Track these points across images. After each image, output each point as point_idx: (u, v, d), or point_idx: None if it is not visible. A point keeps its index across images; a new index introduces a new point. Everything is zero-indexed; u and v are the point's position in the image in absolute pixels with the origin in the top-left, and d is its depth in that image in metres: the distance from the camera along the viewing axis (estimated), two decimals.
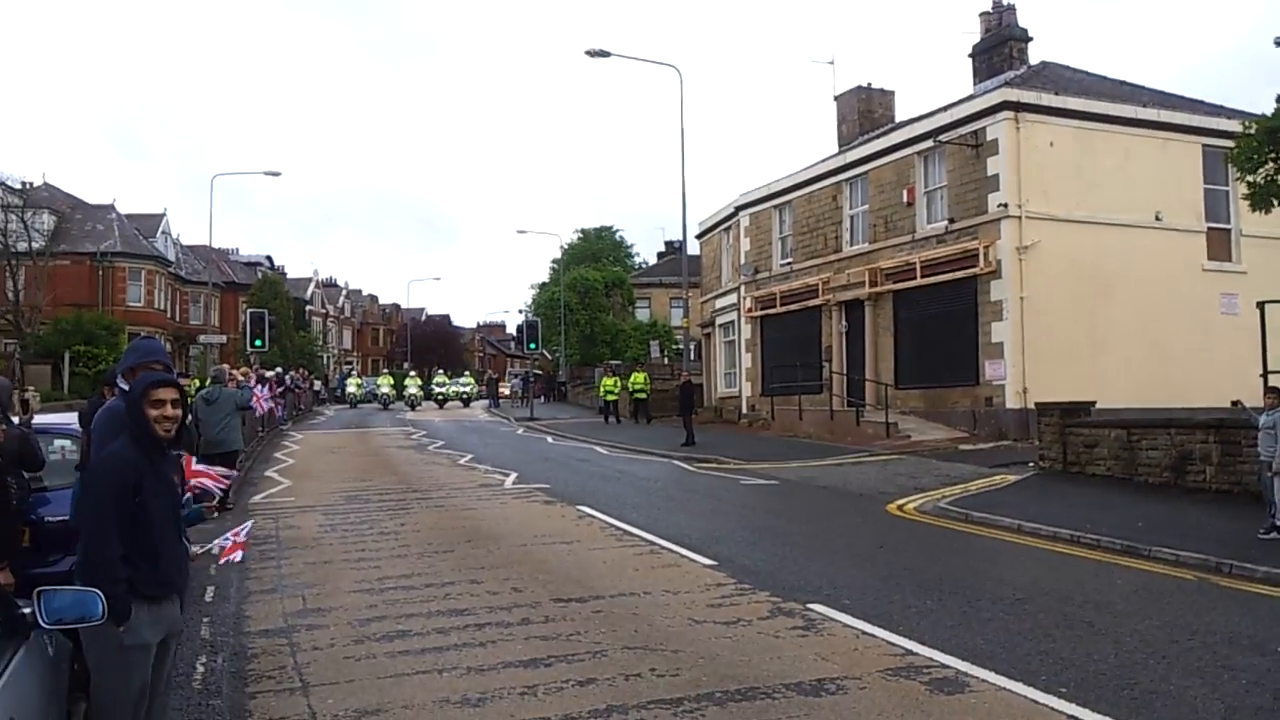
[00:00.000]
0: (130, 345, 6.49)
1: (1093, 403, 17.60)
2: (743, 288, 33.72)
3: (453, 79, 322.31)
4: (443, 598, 8.92)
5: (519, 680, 6.50)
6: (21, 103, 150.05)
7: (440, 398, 53.19)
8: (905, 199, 25.91)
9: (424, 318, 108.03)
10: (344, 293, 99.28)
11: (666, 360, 49.36)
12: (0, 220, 41.88)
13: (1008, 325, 22.61)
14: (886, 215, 26.68)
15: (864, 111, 34.16)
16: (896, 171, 26.40)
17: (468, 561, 10.63)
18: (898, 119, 33.13)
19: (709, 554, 10.75)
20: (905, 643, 7.27)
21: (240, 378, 19.49)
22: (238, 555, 5.90)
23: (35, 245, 44.07)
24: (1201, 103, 27.28)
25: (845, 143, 33.29)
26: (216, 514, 7.62)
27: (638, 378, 36.94)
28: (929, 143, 24.96)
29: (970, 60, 31.46)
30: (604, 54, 31.77)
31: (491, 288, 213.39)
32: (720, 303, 37.10)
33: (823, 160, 30.89)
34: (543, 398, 53.64)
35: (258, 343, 30.48)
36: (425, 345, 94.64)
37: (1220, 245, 24.87)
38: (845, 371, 28.07)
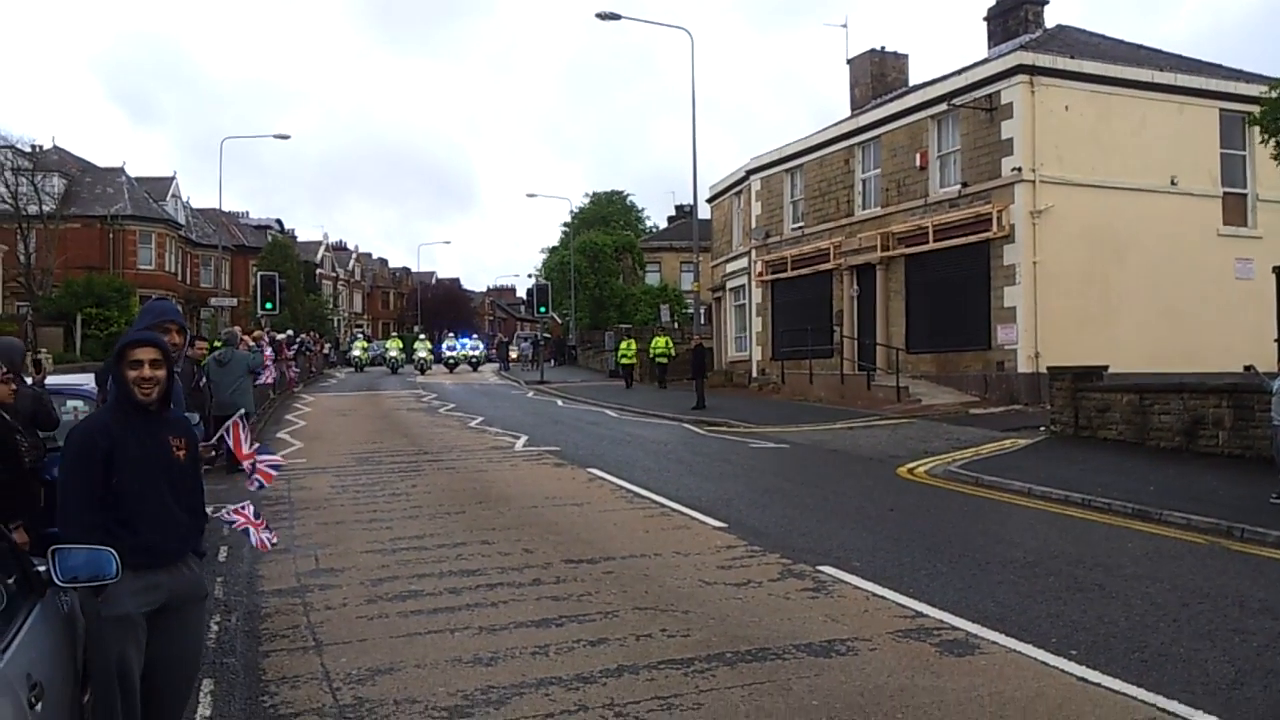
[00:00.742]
0: (144, 307, 6.35)
1: (1105, 367, 17.53)
2: (753, 252, 33.57)
3: (464, 44, 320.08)
4: (454, 558, 8.97)
5: (530, 640, 6.54)
6: (30, 66, 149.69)
7: (450, 361, 52.23)
8: (918, 163, 25.69)
9: (434, 281, 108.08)
10: (354, 256, 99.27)
11: (676, 324, 49.18)
12: (10, 183, 41.89)
13: (1020, 290, 22.47)
14: (899, 179, 26.48)
15: (877, 75, 33.77)
16: (909, 135, 26.16)
17: (479, 523, 10.68)
18: (911, 83, 32.76)
19: (719, 516, 10.78)
20: (915, 605, 7.29)
21: (251, 341, 19.55)
22: (266, 536, 5.97)
23: (46, 208, 44.08)
24: (1220, 66, 26.92)
25: (858, 106, 32.96)
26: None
27: (659, 341, 36.13)
28: (943, 106, 24.70)
29: (985, 23, 31.01)
30: (615, 17, 31.48)
31: (502, 251, 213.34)
32: (731, 267, 36.97)
33: (835, 124, 30.63)
34: (552, 361, 53.69)
35: (268, 306, 30.51)
36: (435, 309, 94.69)
37: (1236, 210, 24.64)
38: (856, 336, 27.98)
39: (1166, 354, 21.36)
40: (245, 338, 18.89)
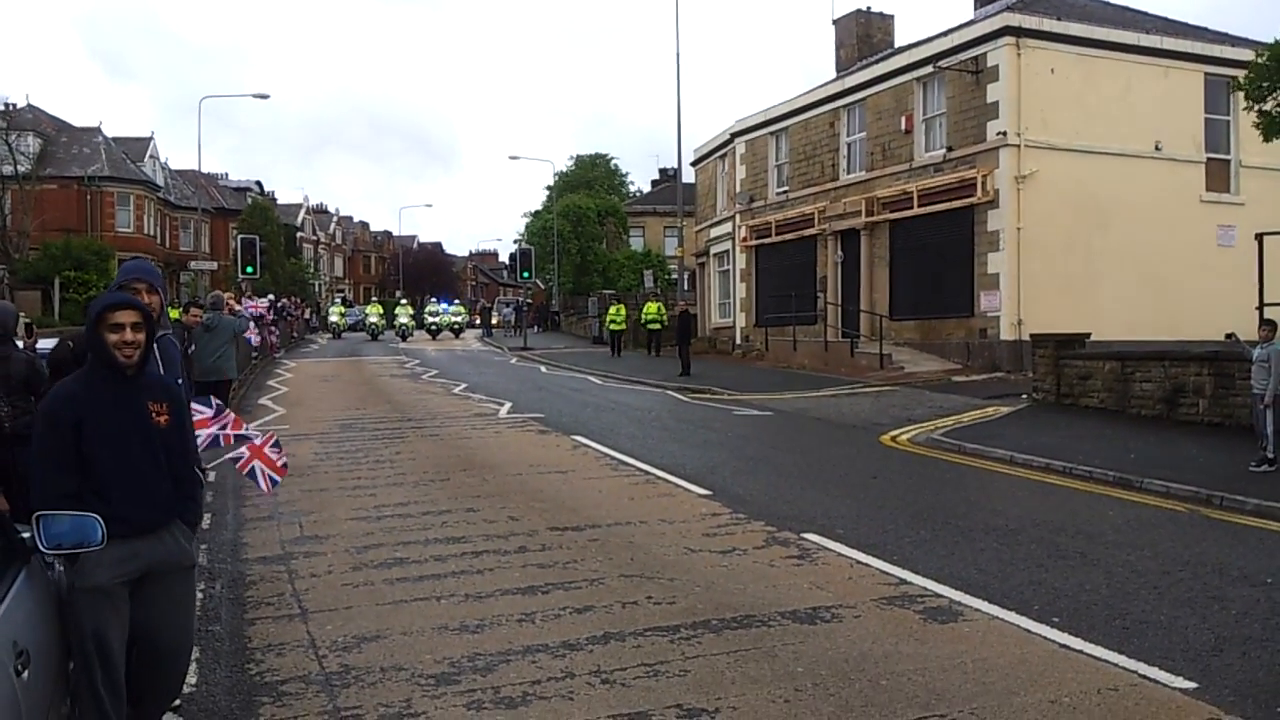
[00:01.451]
0: (121, 267, 6.09)
1: (1087, 335, 17.62)
2: (738, 217, 33.47)
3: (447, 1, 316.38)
4: (440, 526, 8.97)
5: (516, 607, 6.56)
6: (6, 19, 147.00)
7: (433, 327, 50.32)
8: (903, 126, 25.59)
9: (416, 245, 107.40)
10: (335, 219, 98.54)
11: (659, 290, 49.06)
12: None
13: (1004, 256, 22.50)
14: (884, 143, 26.39)
15: (863, 36, 33.59)
16: (895, 98, 26.05)
17: (464, 490, 10.67)
18: (897, 44, 32.59)
19: (704, 484, 10.81)
20: (899, 572, 7.34)
21: (236, 306, 19.40)
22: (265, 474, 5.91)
23: (21, 169, 43.45)
24: (1206, 30, 26.88)
25: (843, 68, 32.79)
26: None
27: (651, 308, 34.93)
28: (928, 69, 24.59)
29: None
30: None
31: (484, 215, 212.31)
32: (715, 232, 36.87)
33: (820, 86, 30.48)
34: (536, 327, 53.49)
35: (249, 270, 30.27)
36: (417, 273, 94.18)
37: (1219, 176, 24.69)
38: (840, 302, 28.00)
39: (1148, 321, 21.47)
40: (230, 301, 18.73)
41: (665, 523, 9.04)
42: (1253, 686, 5.21)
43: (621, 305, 36.23)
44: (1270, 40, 16.13)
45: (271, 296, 37.23)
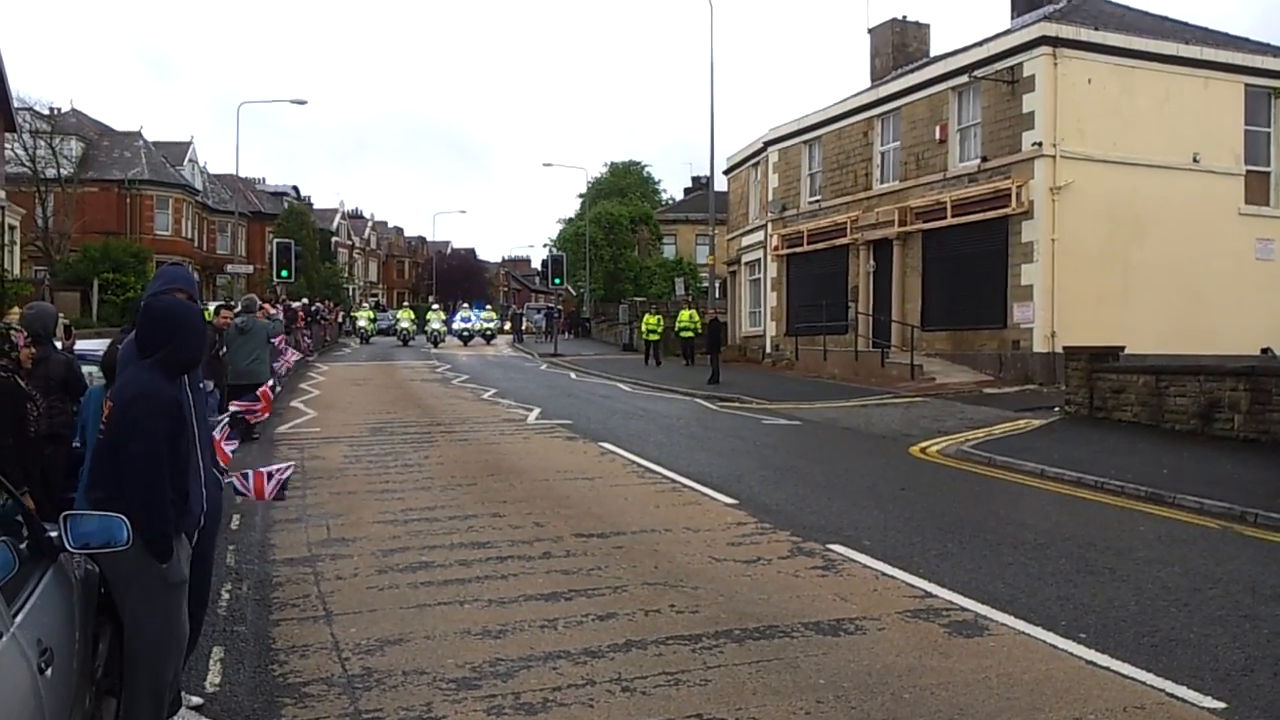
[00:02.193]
0: (158, 272, 6.25)
1: (1121, 347, 17.42)
2: (770, 225, 33.40)
3: (486, 7, 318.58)
4: (465, 530, 9.00)
5: (539, 613, 6.56)
6: (51, 18, 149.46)
7: (465, 334, 48.03)
8: (938, 136, 25.46)
9: (449, 251, 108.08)
10: (370, 224, 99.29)
11: (690, 298, 48.99)
12: (29, 146, 41.97)
13: (1038, 267, 22.31)
14: (918, 152, 26.26)
15: (898, 45, 33.45)
16: (930, 107, 25.92)
17: (490, 495, 10.71)
18: (933, 53, 32.44)
19: (730, 492, 10.78)
20: (925, 585, 7.28)
21: (271, 311, 19.59)
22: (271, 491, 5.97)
23: (63, 172, 44.17)
24: (1247, 40, 26.56)
25: (878, 77, 32.66)
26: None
27: (684, 315, 34.03)
28: (964, 78, 24.45)
29: None
30: None
31: (517, 221, 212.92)
32: (747, 240, 36.80)
33: (854, 95, 30.36)
34: (568, 334, 53.57)
35: (284, 273, 30.60)
36: (450, 279, 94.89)
37: (1259, 189, 24.36)
38: (871, 312, 27.86)
39: (1184, 335, 21.22)
40: (265, 306, 18.92)
41: (690, 531, 9.02)
42: None
43: (659, 315, 35.19)
44: None
45: (305, 300, 37.56)
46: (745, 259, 36.95)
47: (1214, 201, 23.34)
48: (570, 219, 66.46)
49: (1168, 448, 13.70)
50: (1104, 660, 5.75)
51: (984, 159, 23.80)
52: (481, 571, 7.61)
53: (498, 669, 5.60)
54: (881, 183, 27.96)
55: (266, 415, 12.92)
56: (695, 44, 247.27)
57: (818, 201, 30.80)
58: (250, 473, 6.49)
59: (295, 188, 78.86)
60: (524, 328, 54.55)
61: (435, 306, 52.12)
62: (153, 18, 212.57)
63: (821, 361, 27.48)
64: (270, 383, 16.90)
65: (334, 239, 79.83)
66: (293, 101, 42.35)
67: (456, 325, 49.52)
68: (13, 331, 6.72)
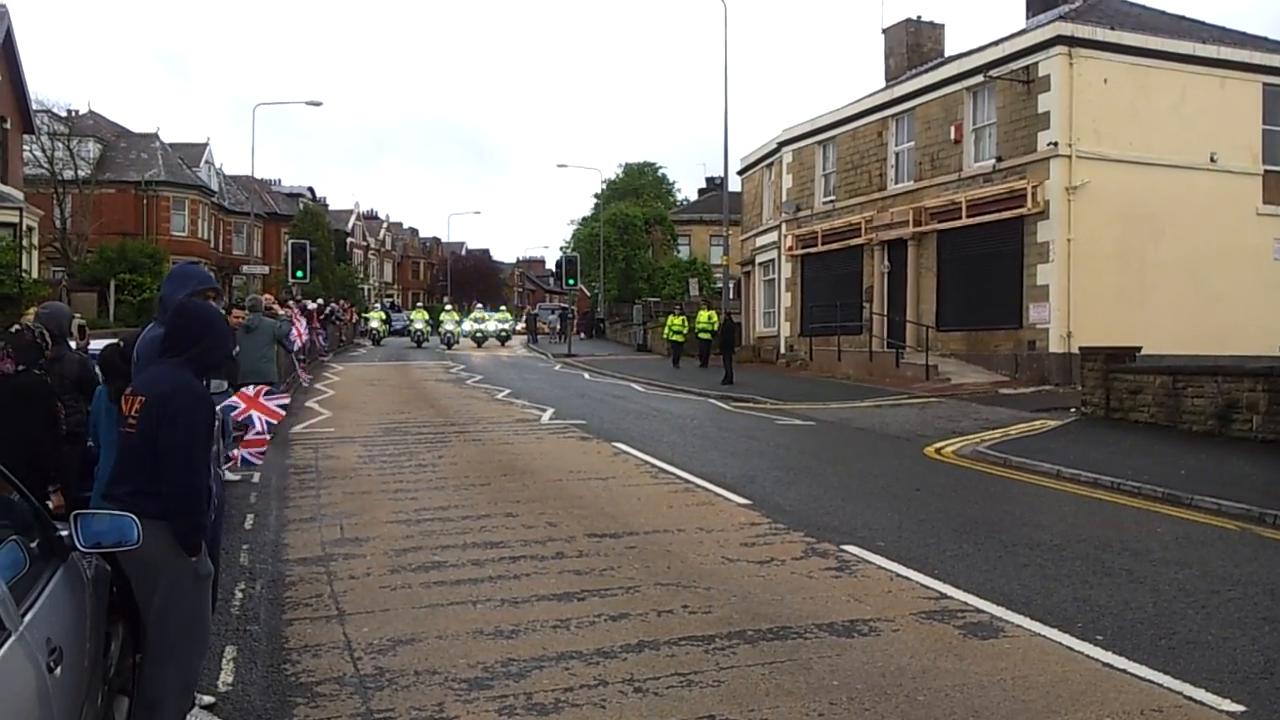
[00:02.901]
0: (177, 271, 5.96)
1: (1138, 348, 17.30)
2: (784, 225, 33.34)
3: (506, 8, 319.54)
4: (478, 530, 9.00)
5: (552, 613, 6.55)
6: (68, 19, 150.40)
7: (479, 335, 47.12)
8: (953, 136, 25.36)
9: (464, 252, 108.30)
10: (385, 225, 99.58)
11: (705, 298, 48.90)
12: (47, 148, 42.22)
13: (1053, 268, 22.19)
14: (933, 153, 26.16)
15: (912, 45, 33.32)
16: (944, 108, 25.82)
17: (503, 495, 10.70)
18: (947, 53, 32.31)
19: (744, 493, 10.75)
20: (939, 586, 7.23)
21: (281, 311, 19.60)
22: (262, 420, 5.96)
23: (81, 174, 44.41)
24: (1264, 39, 26.37)
25: (892, 77, 32.55)
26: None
27: (703, 316, 33.06)
28: (979, 78, 24.34)
29: None
30: None
31: (532, 222, 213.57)
32: (761, 241, 36.74)
33: (869, 95, 30.27)
34: (582, 334, 53.56)
35: (299, 274, 30.71)
36: (465, 279, 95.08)
37: (1276, 189, 24.16)
38: (885, 312, 27.77)
39: (1201, 335, 21.08)
40: (275, 306, 18.93)
41: (704, 531, 8.99)
42: None
43: (683, 316, 34.30)
44: None
45: (320, 300, 37.67)
46: (759, 259, 36.89)
47: (1231, 201, 23.17)
48: (585, 219, 66.52)
49: (1185, 449, 13.60)
50: (1121, 662, 5.70)
51: (999, 159, 23.69)
52: (494, 571, 7.60)
53: (510, 669, 5.58)
54: (896, 183, 27.87)
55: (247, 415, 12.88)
56: (710, 45, 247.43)
57: (832, 202, 30.72)
58: (251, 412, 6.49)
59: (311, 189, 79.19)
60: (538, 328, 54.27)
61: (449, 307, 51.04)
62: (170, 18, 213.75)
63: (836, 362, 27.40)
64: (257, 388, 16.88)
65: (349, 240, 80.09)
66: (308, 103, 42.36)
67: (470, 326, 48.83)
68: (40, 331, 6.77)
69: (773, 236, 34.95)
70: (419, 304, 69.90)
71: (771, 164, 35.38)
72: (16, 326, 7.58)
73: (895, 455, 13.96)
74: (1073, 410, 17.56)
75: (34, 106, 36.34)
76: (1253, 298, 22.52)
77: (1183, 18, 27.34)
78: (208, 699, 5.09)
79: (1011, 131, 23.44)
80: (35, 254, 37.77)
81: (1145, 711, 5.04)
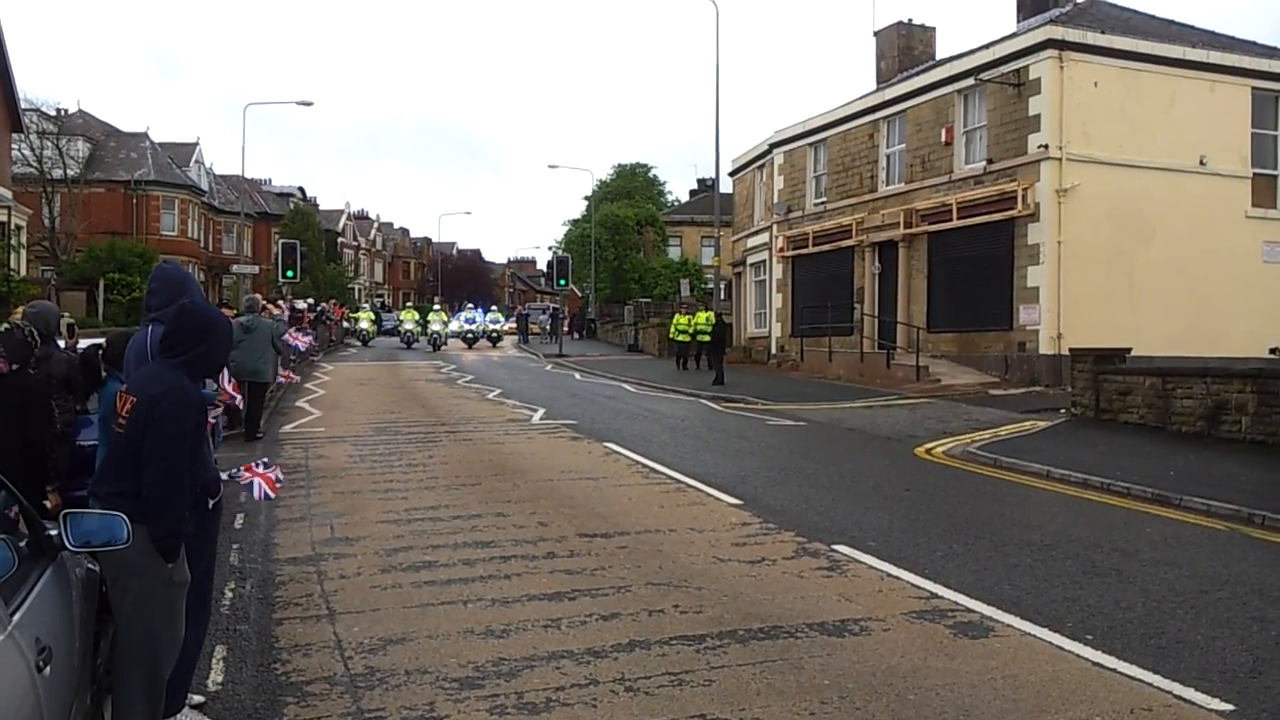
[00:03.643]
0: (171, 275, 5.54)
1: (1128, 350, 17.35)
2: (775, 227, 33.37)
3: (499, 8, 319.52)
4: (469, 530, 8.98)
5: (543, 613, 6.54)
6: (57, 14, 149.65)
7: (469, 336, 45.46)
8: (943, 138, 25.42)
9: (455, 252, 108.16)
10: (375, 225, 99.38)
11: (695, 299, 48.81)
12: (36, 146, 42.07)
13: (1044, 269, 22.27)
14: (924, 155, 26.22)
15: (904, 48, 33.39)
16: (935, 110, 25.88)
17: (494, 495, 10.69)
18: (938, 56, 32.40)
19: (735, 493, 10.75)
20: (930, 586, 7.24)
21: (275, 311, 19.58)
22: (261, 489, 5.89)
23: (70, 172, 44.27)
24: (1254, 44, 26.48)
25: (884, 80, 32.61)
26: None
27: (701, 317, 31.63)
28: (970, 81, 24.41)
29: None
30: None
31: (524, 223, 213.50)
32: (752, 242, 36.78)
33: (860, 97, 30.33)
34: (576, 335, 53.46)
35: (289, 274, 30.62)
36: (456, 280, 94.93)
37: (1265, 192, 24.29)
38: (876, 314, 27.82)
39: (1190, 337, 21.16)
40: (269, 306, 18.90)
41: (695, 531, 8.99)
42: None
43: (689, 315, 32.89)
44: None
45: (310, 300, 37.59)
46: (750, 260, 36.92)
47: (1221, 204, 23.28)
48: (576, 220, 66.52)
49: (1174, 450, 13.65)
50: (1110, 662, 5.72)
51: (990, 161, 23.75)
52: (485, 571, 7.59)
53: (501, 669, 5.57)
54: (887, 185, 27.92)
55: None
56: (702, 47, 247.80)
57: (823, 203, 30.77)
58: (254, 480, 6.28)
59: (301, 188, 79.10)
60: (530, 329, 53.75)
61: (437, 307, 48.60)
62: (161, 14, 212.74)
63: (827, 363, 27.44)
64: (269, 383, 16.85)
65: (340, 240, 79.98)
66: (299, 103, 42.44)
67: (459, 326, 47.08)
68: (30, 330, 6.74)
69: (764, 238, 34.98)
70: (408, 304, 68.65)
71: (763, 165, 35.41)
72: (6, 325, 7.55)
73: (886, 455, 13.98)
74: (1063, 411, 17.62)
75: (22, 105, 36.21)
76: (1241, 300, 22.62)
77: (1173, 22, 27.44)
78: (197, 698, 5.07)
79: (1002, 134, 23.51)
80: (23, 253, 37.63)
81: (1135, 710, 5.06)
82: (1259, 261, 23.46)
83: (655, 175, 73.46)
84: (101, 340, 6.49)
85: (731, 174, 39.77)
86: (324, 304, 41.76)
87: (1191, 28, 27.22)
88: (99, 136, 53.76)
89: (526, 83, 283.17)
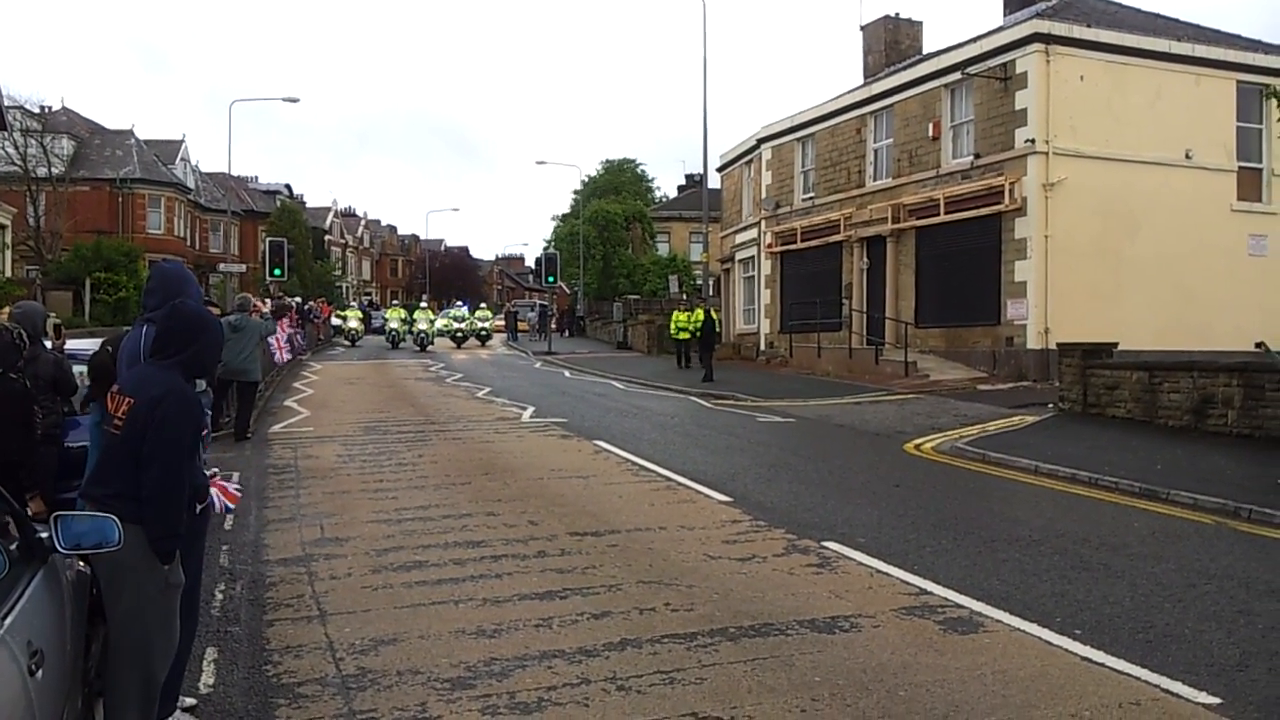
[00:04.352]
0: (169, 275, 5.52)
1: (1115, 344, 17.43)
2: (763, 223, 33.39)
3: (489, 4, 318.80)
4: (459, 529, 8.98)
5: (534, 612, 6.55)
6: (42, 8, 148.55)
7: (458, 335, 44.43)
8: (931, 133, 25.47)
9: (443, 249, 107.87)
10: (363, 223, 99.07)
11: (685, 295, 48.72)
12: (20, 144, 41.80)
13: (1031, 264, 22.34)
14: (911, 150, 26.27)
15: (891, 42, 33.40)
16: (923, 104, 25.93)
17: (485, 494, 10.69)
18: (925, 50, 32.41)
19: (725, 490, 10.77)
20: (920, 582, 7.27)
21: (262, 308, 19.52)
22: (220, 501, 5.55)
23: (54, 171, 43.98)
24: (1238, 37, 26.60)
25: (871, 74, 32.63)
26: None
27: (700, 314, 29.83)
28: (957, 75, 24.46)
29: None
30: None
31: (512, 219, 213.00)
32: (740, 238, 36.79)
33: (848, 92, 30.37)
34: (565, 332, 53.36)
35: (276, 272, 30.46)
36: (444, 277, 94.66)
37: (1251, 185, 24.41)
38: (865, 309, 27.86)
39: (1177, 331, 21.28)
40: (258, 303, 18.84)
41: (685, 529, 9.01)
42: (1278, 703, 5.12)
43: (687, 313, 31.57)
44: None
45: (298, 299, 37.43)
46: (739, 256, 36.94)
47: (1206, 198, 23.38)
48: (565, 217, 66.44)
49: (1161, 444, 13.72)
50: (1099, 656, 5.76)
51: (977, 156, 23.82)
52: (476, 571, 7.59)
53: (492, 668, 5.58)
54: (875, 180, 27.96)
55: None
56: (689, 42, 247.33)
57: (811, 199, 30.80)
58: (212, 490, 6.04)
59: (288, 186, 78.82)
60: (518, 326, 53.43)
61: (423, 305, 47.04)
62: (147, 9, 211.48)
63: (815, 359, 27.48)
64: (258, 382, 16.74)
65: (327, 237, 79.66)
66: (285, 99, 42.07)
67: (446, 324, 45.94)
68: (18, 332, 6.71)
69: (752, 234, 35.00)
70: (395, 302, 67.39)
71: (751, 161, 35.42)
72: None
73: (875, 452, 14.02)
74: (1050, 406, 17.69)
75: (6, 102, 35.95)
76: (1227, 293, 22.73)
77: (1158, 15, 27.53)
78: (189, 701, 5.06)
79: (989, 128, 23.57)
80: (8, 253, 37.47)
81: (1123, 704, 5.09)
82: (1244, 255, 23.58)
83: (643, 171, 73.39)
84: (98, 341, 6.46)
85: (720, 170, 39.76)
86: (311, 302, 41.60)
87: (1177, 21, 27.33)
88: (84, 134, 53.48)
89: (514, 78, 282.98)
